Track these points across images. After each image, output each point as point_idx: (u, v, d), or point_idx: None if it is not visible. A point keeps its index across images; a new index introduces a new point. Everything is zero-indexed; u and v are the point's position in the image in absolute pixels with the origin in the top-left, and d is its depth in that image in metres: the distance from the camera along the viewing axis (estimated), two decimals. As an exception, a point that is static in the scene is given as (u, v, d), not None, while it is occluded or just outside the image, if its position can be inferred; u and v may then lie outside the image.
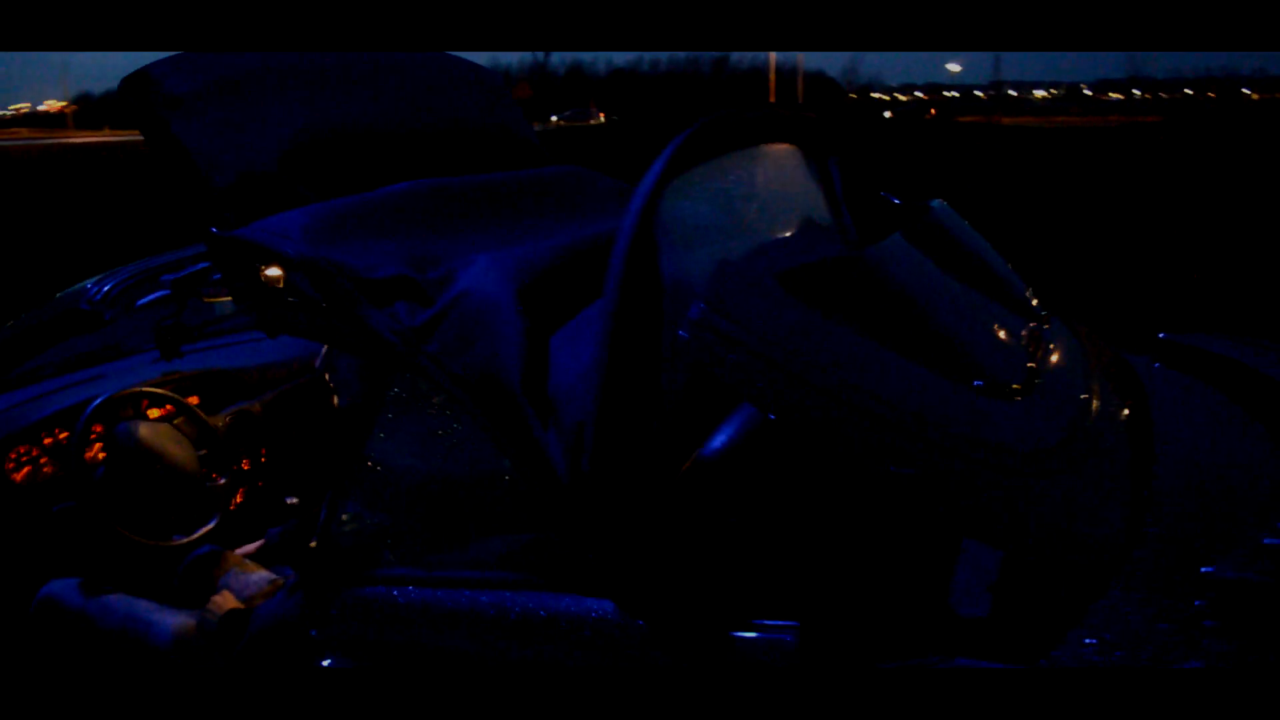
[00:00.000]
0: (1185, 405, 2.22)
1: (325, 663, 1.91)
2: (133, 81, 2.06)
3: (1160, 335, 2.61)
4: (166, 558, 2.78)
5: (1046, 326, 2.17)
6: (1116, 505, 1.69)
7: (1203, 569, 1.48)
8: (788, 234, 2.41)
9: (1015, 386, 1.81)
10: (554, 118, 69.99)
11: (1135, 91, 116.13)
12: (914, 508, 1.56)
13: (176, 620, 2.44)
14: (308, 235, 1.89)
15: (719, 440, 1.70)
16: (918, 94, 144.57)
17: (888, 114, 65.18)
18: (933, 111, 68.90)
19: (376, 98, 2.36)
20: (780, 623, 1.58)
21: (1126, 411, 2.05)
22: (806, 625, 1.56)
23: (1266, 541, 1.52)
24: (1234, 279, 8.37)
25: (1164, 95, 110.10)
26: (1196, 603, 1.45)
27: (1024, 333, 2.07)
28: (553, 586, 1.71)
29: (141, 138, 2.07)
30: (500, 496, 1.85)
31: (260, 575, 2.65)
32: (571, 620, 1.67)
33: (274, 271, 1.97)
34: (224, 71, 2.15)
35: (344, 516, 1.95)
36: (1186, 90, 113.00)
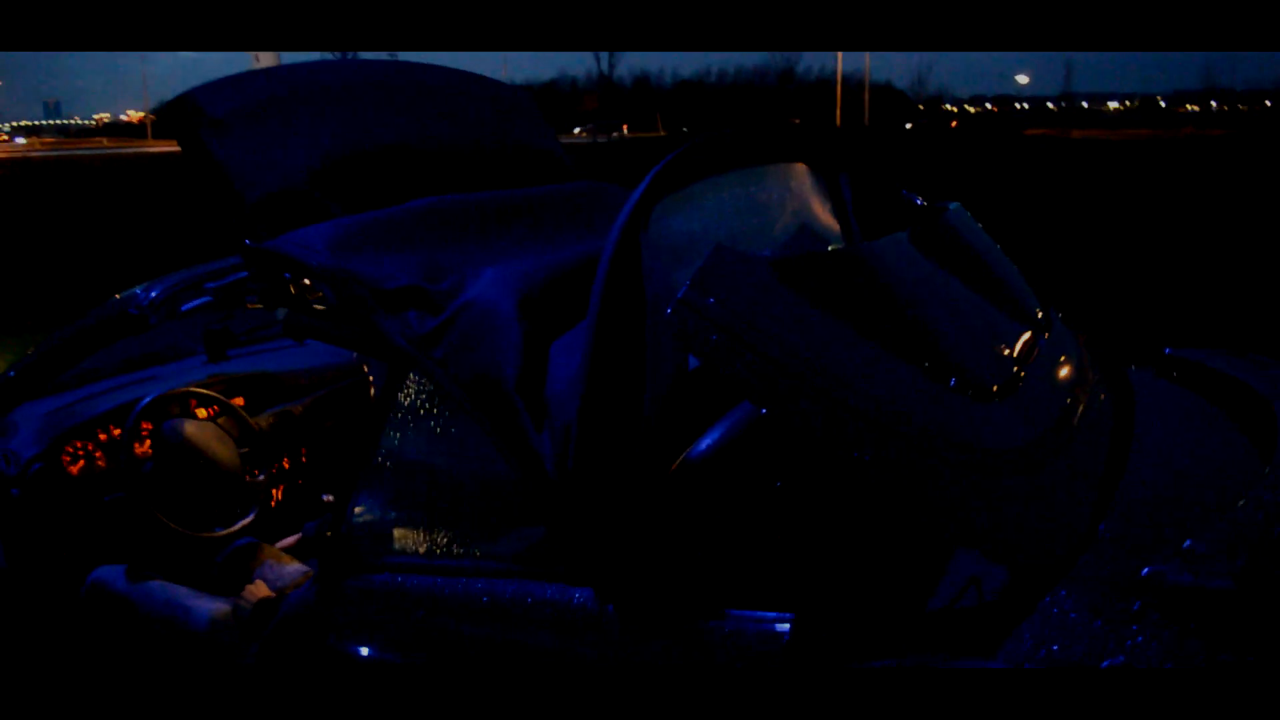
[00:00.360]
0: (1172, 417, 2.27)
1: (340, 645, 2.05)
2: (177, 105, 2.22)
3: (1166, 350, 2.66)
4: (207, 548, 2.95)
5: (1046, 334, 2.23)
6: (1075, 508, 1.77)
7: (1143, 570, 1.55)
8: (793, 248, 2.51)
9: (994, 389, 1.87)
10: (576, 129, 69.85)
11: (1213, 103, 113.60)
12: (880, 501, 1.63)
13: (213, 606, 2.60)
14: (331, 247, 2.03)
15: (706, 443, 1.81)
16: (988, 105, 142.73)
17: (908, 125, 63.90)
18: (954, 124, 67.25)
19: (403, 116, 2.50)
20: (757, 613, 1.68)
21: (1107, 419, 2.12)
22: (792, 619, 1.66)
23: (1186, 544, 1.57)
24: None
25: (1242, 107, 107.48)
26: (1135, 604, 1.52)
27: (1017, 338, 2.13)
28: (541, 576, 1.83)
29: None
30: (497, 492, 1.97)
31: (294, 567, 2.80)
32: (556, 607, 1.78)
33: (302, 281, 2.13)
34: (260, 94, 2.30)
35: (358, 509, 2.08)
36: (1267, 102, 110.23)
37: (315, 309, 2.15)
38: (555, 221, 2.46)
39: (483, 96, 2.79)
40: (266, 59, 6.51)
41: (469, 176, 2.57)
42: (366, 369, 3.63)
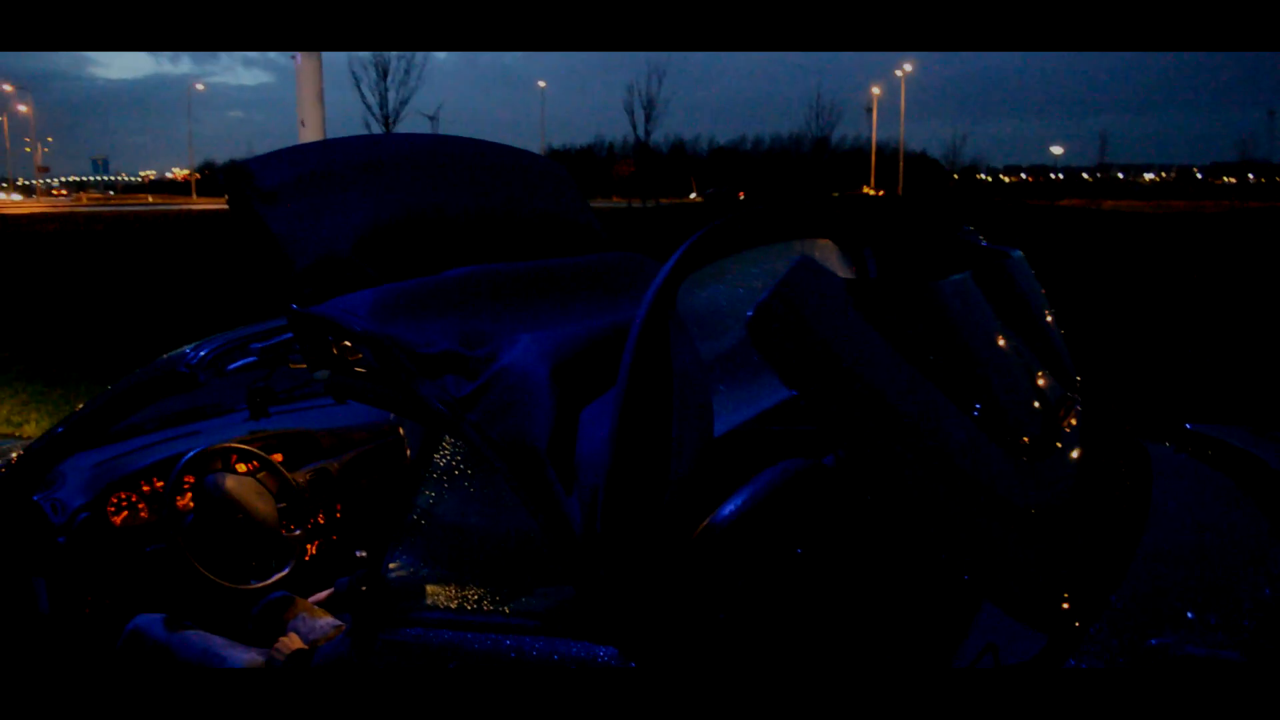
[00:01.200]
0: (1187, 491, 2.32)
1: (371, 695, 2.11)
2: (231, 172, 2.35)
3: (1187, 425, 2.71)
4: (243, 599, 3.02)
5: (1078, 400, 2.28)
6: (1090, 575, 1.81)
7: (1150, 640, 1.60)
8: None
9: (1031, 446, 1.92)
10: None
11: (1249, 175, 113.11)
12: (916, 544, 1.66)
13: (247, 657, 2.67)
14: (373, 313, 2.13)
15: (728, 509, 1.87)
16: (1023, 175, 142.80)
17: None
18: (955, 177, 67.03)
19: (443, 188, 2.61)
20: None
21: (1125, 491, 2.17)
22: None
23: (1190, 616, 1.61)
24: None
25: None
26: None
27: (1056, 399, 2.18)
28: (568, 634, 1.89)
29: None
30: (526, 551, 2.04)
31: (326, 621, 2.87)
32: (582, 665, 1.84)
33: (344, 344, 2.24)
34: (307, 166, 2.42)
35: (393, 565, 2.16)
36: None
37: (356, 370, 2.25)
38: (588, 290, 2.55)
39: (520, 168, 2.90)
40: (307, 77, 6.64)
41: (505, 246, 2.67)
42: (402, 430, 3.72)
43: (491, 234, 2.68)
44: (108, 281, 18.70)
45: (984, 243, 2.61)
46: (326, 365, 2.29)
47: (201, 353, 2.57)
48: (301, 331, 2.27)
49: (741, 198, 63.65)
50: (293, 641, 2.67)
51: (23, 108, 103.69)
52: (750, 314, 1.59)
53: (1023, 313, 2.33)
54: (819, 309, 1.68)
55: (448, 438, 2.16)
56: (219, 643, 2.75)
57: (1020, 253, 2.49)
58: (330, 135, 7.11)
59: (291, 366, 2.90)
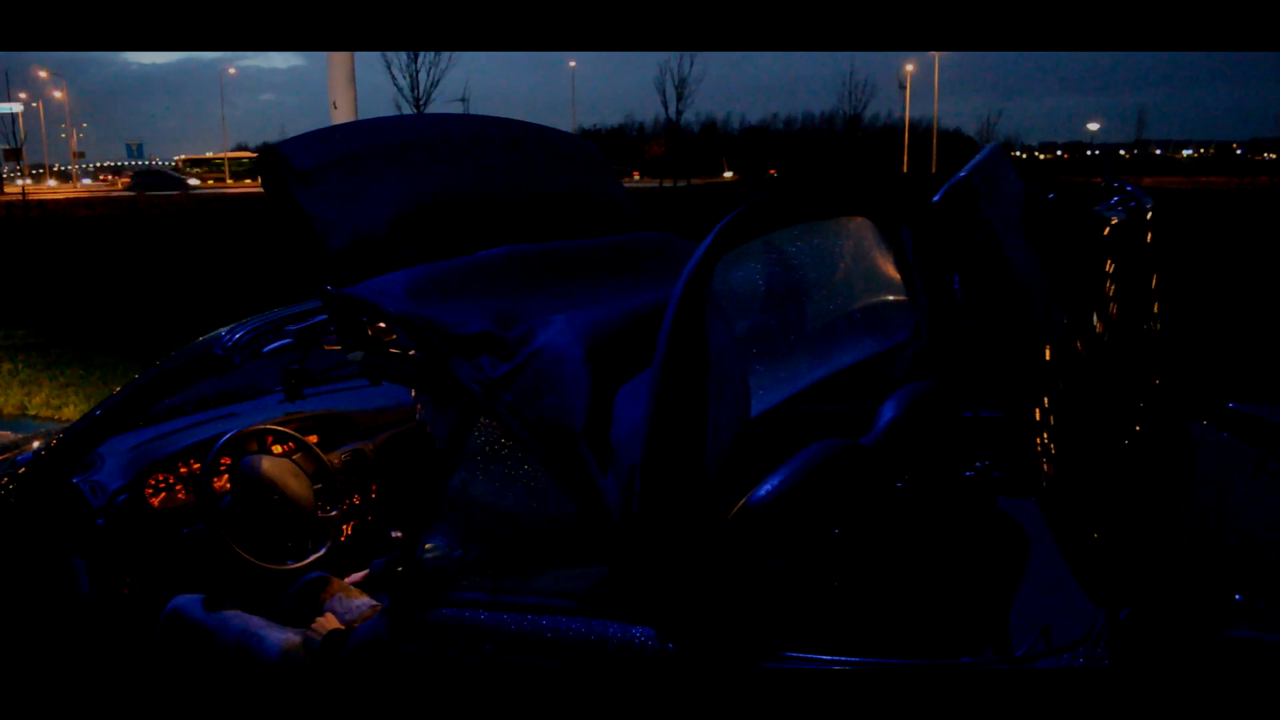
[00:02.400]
0: (1230, 471, 2.28)
1: (409, 676, 2.11)
2: (265, 155, 2.35)
3: (1230, 405, 2.66)
4: (280, 580, 3.04)
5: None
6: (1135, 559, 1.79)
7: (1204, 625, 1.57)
8: (855, 300, 2.55)
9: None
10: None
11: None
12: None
13: (285, 637, 2.68)
14: (408, 294, 2.13)
15: (765, 489, 1.86)
16: (1059, 153, 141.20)
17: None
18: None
19: (476, 169, 2.60)
20: (812, 655, 1.72)
21: (1167, 472, 2.13)
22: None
23: (1238, 599, 1.58)
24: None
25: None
26: None
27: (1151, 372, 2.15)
28: (604, 614, 1.89)
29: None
30: (562, 532, 2.03)
31: (362, 601, 2.88)
32: (619, 645, 1.84)
33: (379, 326, 2.23)
34: (341, 147, 2.42)
35: (429, 546, 2.16)
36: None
37: (391, 351, 2.24)
38: (622, 271, 2.54)
39: (553, 148, 2.88)
40: (339, 60, 6.64)
41: (539, 226, 2.66)
42: (420, 408, 3.73)
43: (526, 214, 2.67)
44: (146, 265, 18.88)
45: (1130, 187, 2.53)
46: (361, 347, 2.29)
47: (237, 335, 2.58)
48: (336, 313, 2.26)
49: (773, 175, 62.77)
50: (329, 622, 2.68)
51: (58, 94, 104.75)
52: (939, 196, 1.53)
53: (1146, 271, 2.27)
54: (1000, 199, 1.64)
55: (482, 419, 2.15)
56: (257, 623, 2.77)
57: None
58: (362, 117, 7.13)
59: (326, 348, 2.91)
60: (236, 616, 2.80)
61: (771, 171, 65.25)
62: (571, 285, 2.38)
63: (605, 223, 2.89)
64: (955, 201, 1.53)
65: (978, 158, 1.64)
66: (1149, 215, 2.22)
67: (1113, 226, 1.92)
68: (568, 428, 1.92)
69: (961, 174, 1.56)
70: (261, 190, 2.41)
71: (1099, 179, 2.35)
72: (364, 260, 2.29)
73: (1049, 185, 2.36)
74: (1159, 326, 2.25)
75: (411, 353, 2.22)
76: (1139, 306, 2.04)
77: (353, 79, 6.79)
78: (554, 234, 2.65)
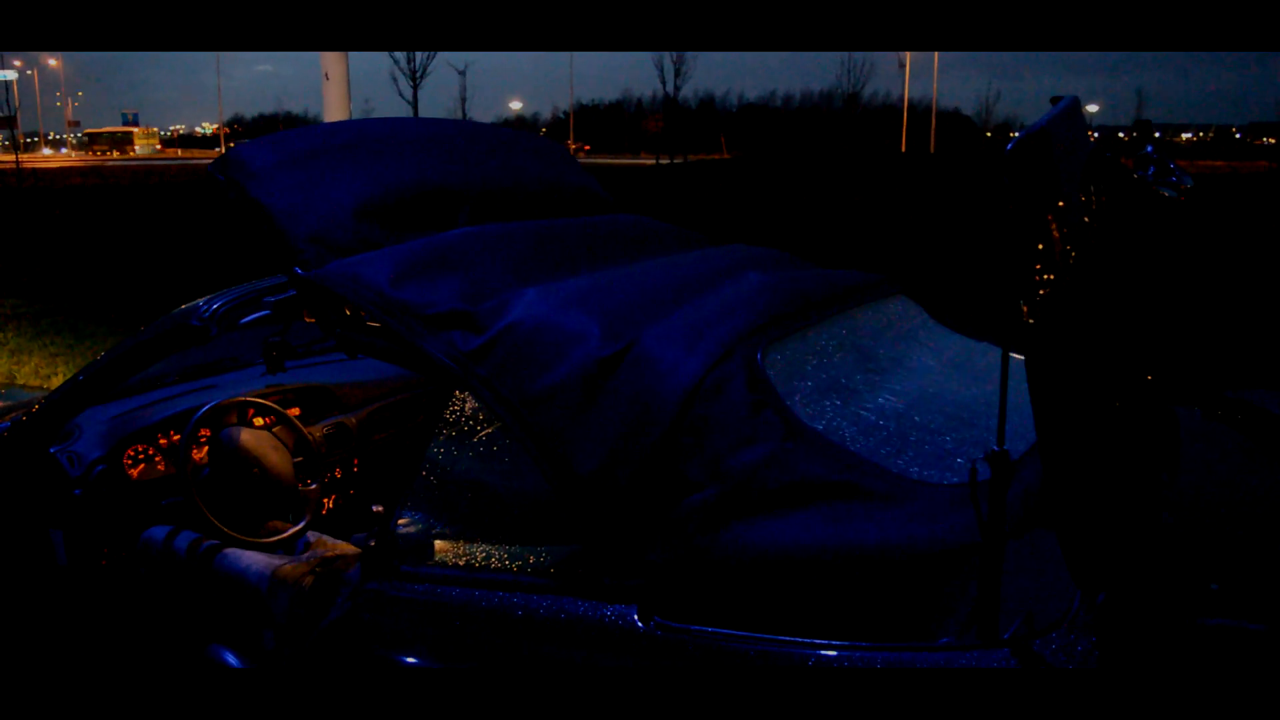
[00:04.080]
0: (1217, 458, 2.26)
1: (382, 652, 2.10)
2: (221, 162, 2.41)
3: (1227, 393, 2.64)
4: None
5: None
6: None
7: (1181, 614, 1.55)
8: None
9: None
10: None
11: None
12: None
13: (270, 561, 2.70)
14: (374, 276, 2.13)
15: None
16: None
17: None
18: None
19: (441, 159, 2.65)
20: (789, 638, 1.70)
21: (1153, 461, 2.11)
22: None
23: (1214, 588, 1.56)
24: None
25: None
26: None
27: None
28: (573, 592, 1.87)
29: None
30: (535, 509, 2.02)
31: (350, 551, 2.88)
32: (587, 624, 1.82)
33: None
34: (300, 145, 2.49)
35: (403, 520, 2.14)
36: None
37: (369, 325, 2.22)
38: (595, 248, 2.54)
39: (512, 142, 2.91)
40: (332, 60, 6.61)
41: (506, 211, 2.67)
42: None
43: (492, 200, 2.69)
44: (137, 234, 18.80)
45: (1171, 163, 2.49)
46: (336, 324, 2.28)
47: (214, 306, 2.55)
48: (306, 295, 2.26)
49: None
50: (327, 546, 2.73)
51: (52, 62, 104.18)
52: (1011, 146, 1.48)
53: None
54: (1072, 155, 1.62)
55: (459, 394, 2.14)
56: (236, 551, 2.79)
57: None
58: (355, 91, 7.08)
59: (307, 320, 2.89)
60: (213, 544, 2.81)
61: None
62: (541, 262, 2.38)
63: (573, 206, 2.90)
64: (1030, 151, 1.47)
65: (1055, 109, 1.61)
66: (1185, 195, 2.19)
67: (1164, 200, 1.89)
68: (542, 399, 1.90)
69: (1039, 123, 1.52)
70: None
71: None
72: (330, 243, 2.30)
73: (1105, 144, 2.32)
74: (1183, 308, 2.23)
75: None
76: (1170, 286, 2.02)
77: (345, 51, 6.74)
78: (521, 217, 2.66)
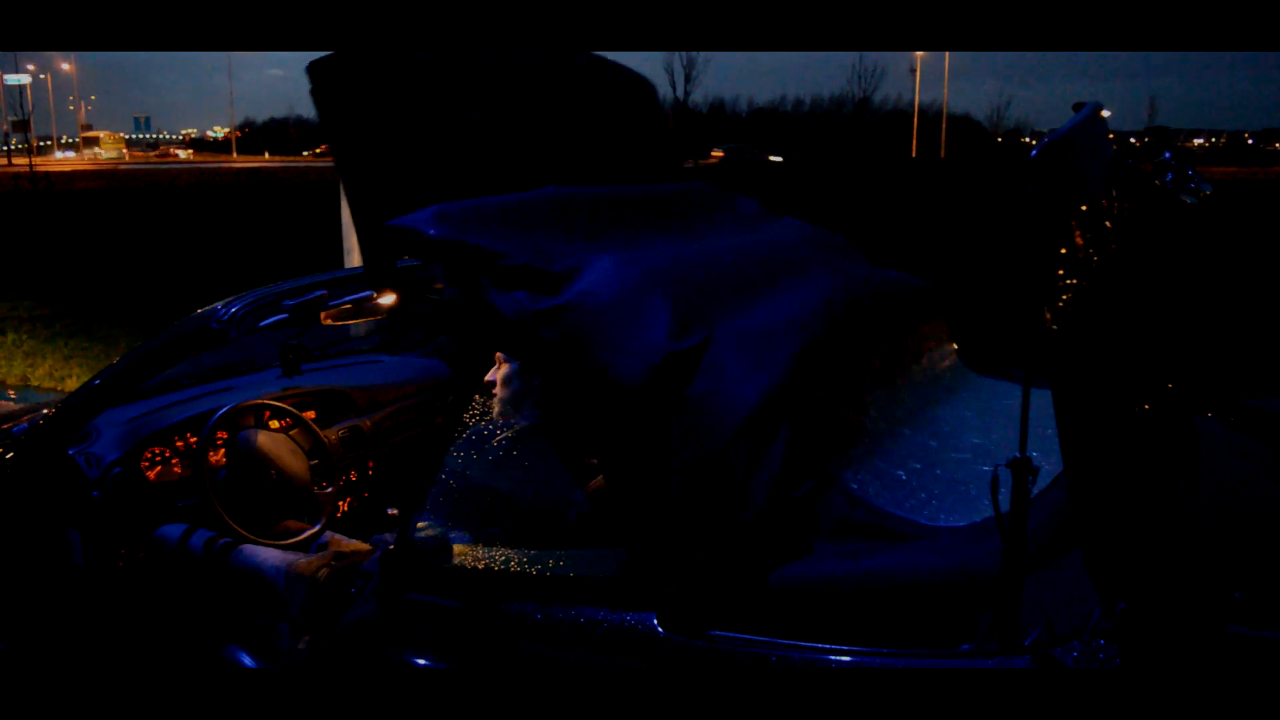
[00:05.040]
0: (1236, 466, 2.25)
1: (399, 655, 2.10)
2: (318, 69, 2.25)
3: (1245, 401, 2.63)
4: None
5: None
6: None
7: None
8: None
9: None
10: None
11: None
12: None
13: (284, 556, 2.70)
14: (450, 223, 2.06)
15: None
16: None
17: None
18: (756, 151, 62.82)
19: (530, 106, 2.54)
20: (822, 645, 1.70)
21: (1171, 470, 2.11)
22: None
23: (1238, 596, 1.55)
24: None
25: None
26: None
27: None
28: (592, 600, 1.87)
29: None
30: (555, 515, 2.01)
31: (365, 550, 2.89)
32: (608, 629, 1.82)
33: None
34: (396, 69, 2.35)
35: (421, 524, 2.14)
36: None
37: (426, 296, 2.16)
38: (665, 216, 2.48)
39: (614, 85, 2.81)
40: None
41: (590, 167, 2.61)
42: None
43: (579, 155, 2.63)
44: (150, 237, 18.86)
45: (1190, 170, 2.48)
46: (393, 289, 2.19)
47: (233, 309, 2.56)
48: (374, 251, 2.19)
49: (758, 155, 60.92)
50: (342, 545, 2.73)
51: (65, 66, 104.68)
52: (1036, 152, 1.48)
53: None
54: (1095, 160, 1.62)
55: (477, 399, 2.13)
56: (251, 548, 2.80)
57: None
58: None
59: (324, 323, 2.89)
60: (228, 542, 2.82)
61: (756, 151, 63.13)
62: (618, 228, 2.31)
63: (650, 169, 2.83)
64: (1053, 158, 1.47)
65: (1078, 116, 1.60)
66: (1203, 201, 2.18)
67: (1186, 207, 1.89)
68: (609, 380, 1.85)
69: (1063, 129, 1.51)
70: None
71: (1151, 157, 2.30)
72: (410, 193, 2.21)
73: (1126, 150, 2.30)
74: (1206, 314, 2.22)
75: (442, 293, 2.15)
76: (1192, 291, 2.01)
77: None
78: (601, 174, 2.60)
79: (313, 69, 2.26)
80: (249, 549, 2.81)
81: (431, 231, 2.03)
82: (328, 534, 3.04)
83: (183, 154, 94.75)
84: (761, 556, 1.77)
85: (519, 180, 2.37)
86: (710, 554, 1.76)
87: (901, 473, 2.09)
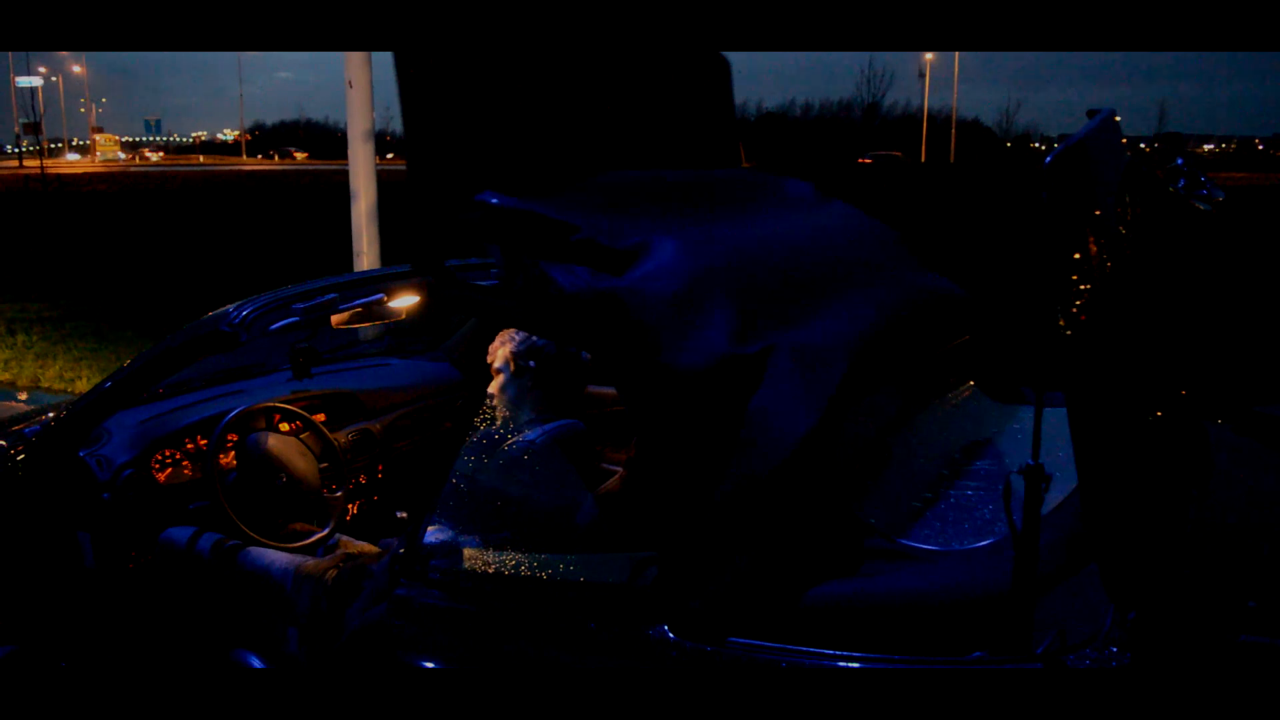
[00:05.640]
0: (1247, 474, 2.25)
1: (407, 658, 2.10)
2: (404, 58, 2.16)
3: (1256, 408, 2.62)
4: None
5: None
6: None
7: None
8: None
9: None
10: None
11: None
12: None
13: (293, 559, 2.70)
14: (516, 195, 2.01)
15: None
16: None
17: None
18: (898, 154, 62.68)
19: (594, 88, 2.47)
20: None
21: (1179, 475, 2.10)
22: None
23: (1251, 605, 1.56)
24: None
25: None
26: None
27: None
28: (604, 605, 1.87)
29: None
30: (564, 518, 2.01)
31: (373, 551, 2.89)
32: (621, 635, 1.82)
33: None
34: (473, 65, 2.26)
35: (431, 527, 2.14)
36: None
37: (467, 283, 2.14)
38: (722, 201, 2.42)
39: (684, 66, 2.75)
40: (356, 66, 6.61)
41: (651, 153, 2.55)
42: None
43: (634, 141, 2.56)
44: (161, 240, 18.92)
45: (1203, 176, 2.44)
46: (433, 273, 2.16)
47: (244, 312, 2.56)
48: (433, 237, 2.11)
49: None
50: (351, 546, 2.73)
51: (77, 68, 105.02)
52: (1050, 159, 1.46)
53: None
54: (1109, 167, 1.61)
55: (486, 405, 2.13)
56: (259, 550, 2.81)
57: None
58: (378, 97, 7.09)
59: (334, 326, 2.90)
60: (236, 544, 2.82)
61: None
62: (678, 211, 2.23)
63: (713, 154, 2.79)
64: (1068, 164, 1.46)
65: (1092, 122, 1.59)
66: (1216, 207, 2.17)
67: (1199, 214, 1.87)
68: (675, 372, 1.77)
69: (1077, 136, 1.50)
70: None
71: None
72: (480, 177, 2.11)
73: (1140, 157, 2.28)
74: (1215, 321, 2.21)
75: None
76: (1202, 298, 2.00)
77: (369, 57, 6.75)
78: (660, 162, 2.54)
79: (399, 59, 2.18)
80: (256, 551, 2.81)
81: (496, 200, 1.98)
82: (337, 536, 3.05)
83: (154, 156, 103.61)
84: (785, 574, 1.76)
85: (585, 161, 2.31)
86: (741, 569, 1.75)
87: (917, 502, 2.08)
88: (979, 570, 1.75)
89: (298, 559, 2.73)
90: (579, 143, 2.39)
